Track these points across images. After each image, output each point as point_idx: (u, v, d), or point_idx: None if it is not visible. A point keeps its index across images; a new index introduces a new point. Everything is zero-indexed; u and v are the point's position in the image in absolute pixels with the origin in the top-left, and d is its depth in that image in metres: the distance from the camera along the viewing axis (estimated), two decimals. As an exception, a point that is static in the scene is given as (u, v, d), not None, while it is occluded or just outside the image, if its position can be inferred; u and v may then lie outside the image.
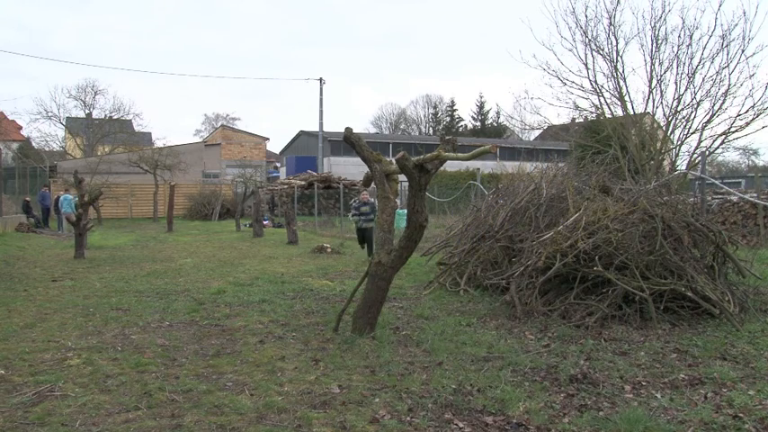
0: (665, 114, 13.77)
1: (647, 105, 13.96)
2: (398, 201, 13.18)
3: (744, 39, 12.38)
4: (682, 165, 14.37)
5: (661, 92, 13.61)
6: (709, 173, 21.73)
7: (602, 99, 14.23)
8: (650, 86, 13.64)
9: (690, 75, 13.06)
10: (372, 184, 6.63)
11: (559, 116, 43.06)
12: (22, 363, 5.40)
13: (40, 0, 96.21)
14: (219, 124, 63.55)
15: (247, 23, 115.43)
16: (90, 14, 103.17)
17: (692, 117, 13.34)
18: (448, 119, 68.96)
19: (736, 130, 12.78)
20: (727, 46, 12.56)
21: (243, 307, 7.92)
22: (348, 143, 6.18)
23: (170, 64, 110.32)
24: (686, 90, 13.19)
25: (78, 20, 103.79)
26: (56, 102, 78.41)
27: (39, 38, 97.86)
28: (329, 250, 14.54)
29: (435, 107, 70.76)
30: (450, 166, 29.89)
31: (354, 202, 14.36)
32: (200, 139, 57.75)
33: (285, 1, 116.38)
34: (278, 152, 61.45)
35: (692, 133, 13.42)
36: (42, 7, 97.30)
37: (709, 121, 13.07)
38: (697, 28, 13.23)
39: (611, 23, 13.62)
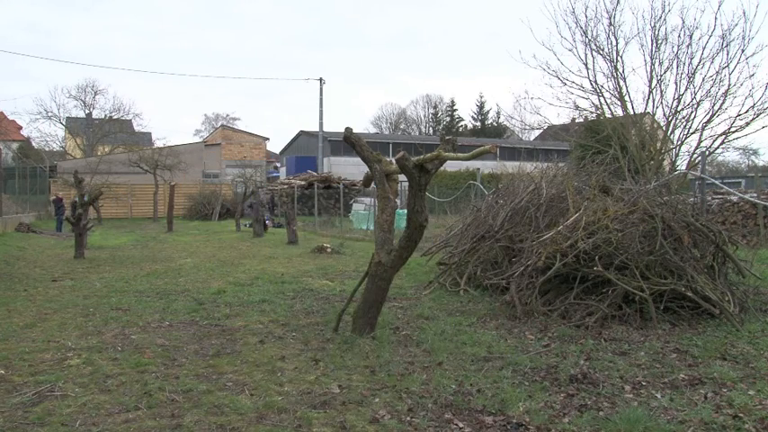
0: (665, 114, 13.80)
1: (647, 105, 13.99)
2: (398, 201, 13.17)
3: (744, 39, 12.41)
4: (682, 165, 14.38)
5: (661, 92, 13.64)
6: (709, 173, 21.71)
7: (602, 99, 14.26)
8: (650, 86, 13.66)
9: (690, 75, 13.09)
10: (372, 184, 6.63)
11: (559, 116, 43.04)
12: (22, 363, 5.40)
13: (50, 1, 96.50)
14: (219, 124, 63.55)
15: (253, 24, 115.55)
16: (98, 15, 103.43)
17: (692, 117, 13.37)
18: (448, 119, 68.96)
19: (736, 130, 12.80)
20: (727, 46, 12.59)
21: (243, 307, 7.92)
22: (348, 143, 6.17)
23: (175, 64, 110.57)
24: (686, 90, 13.22)
25: (86, 21, 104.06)
26: (56, 102, 78.56)
27: (48, 39, 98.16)
28: (329, 250, 14.54)
29: (435, 107, 70.78)
30: (451, 166, 29.88)
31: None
32: (200, 139, 57.73)
33: (288, 2, 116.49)
34: (278, 152, 61.42)
35: (692, 133, 13.45)
36: (52, 8, 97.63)
37: (709, 121, 13.10)
38: (697, 28, 13.27)
39: (611, 23, 13.65)
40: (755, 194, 13.31)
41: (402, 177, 6.61)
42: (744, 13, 13.44)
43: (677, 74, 13.26)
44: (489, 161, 34.46)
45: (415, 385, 4.70)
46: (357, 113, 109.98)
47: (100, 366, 5.27)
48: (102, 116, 50.19)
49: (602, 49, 13.80)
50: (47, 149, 48.15)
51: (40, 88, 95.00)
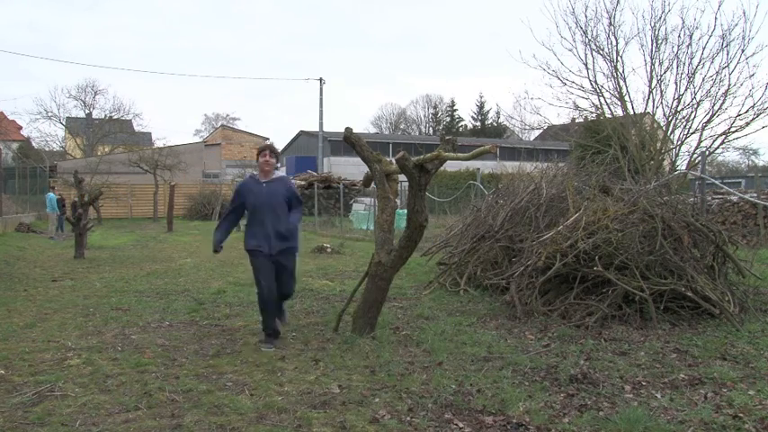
0: (665, 114, 13.81)
1: (647, 105, 13.99)
2: (398, 201, 13.15)
3: (744, 39, 12.42)
4: (682, 165, 14.38)
5: (661, 92, 13.64)
6: (709, 173, 21.72)
7: (602, 99, 14.26)
8: (650, 86, 13.66)
9: (690, 75, 13.09)
10: (372, 184, 6.63)
11: (559, 116, 43.00)
12: (22, 363, 5.40)
13: (51, 1, 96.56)
14: (219, 124, 63.61)
15: (253, 24, 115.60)
16: (99, 16, 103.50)
17: (692, 117, 13.37)
18: (448, 119, 68.98)
19: (736, 130, 12.81)
20: (727, 46, 12.60)
21: (243, 307, 7.92)
22: (348, 143, 6.17)
23: (175, 64, 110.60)
24: (686, 90, 13.23)
25: (87, 21, 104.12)
26: (56, 102, 78.44)
27: (50, 39, 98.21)
28: (329, 250, 14.53)
29: (435, 107, 70.81)
30: (451, 166, 29.89)
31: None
32: (201, 139, 57.76)
33: (288, 2, 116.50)
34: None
35: (692, 133, 13.45)
36: (53, 8, 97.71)
37: (709, 121, 13.10)
38: (697, 28, 13.26)
39: (611, 23, 13.65)
40: (755, 194, 13.32)
41: (402, 177, 6.62)
42: (744, 13, 13.45)
43: (677, 74, 13.28)
44: (489, 161, 34.50)
45: (415, 385, 4.70)
46: (357, 113, 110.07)
47: (100, 366, 5.27)
48: (102, 116, 50.20)
49: (602, 49, 13.82)
50: (47, 149, 48.18)
51: (41, 88, 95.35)
